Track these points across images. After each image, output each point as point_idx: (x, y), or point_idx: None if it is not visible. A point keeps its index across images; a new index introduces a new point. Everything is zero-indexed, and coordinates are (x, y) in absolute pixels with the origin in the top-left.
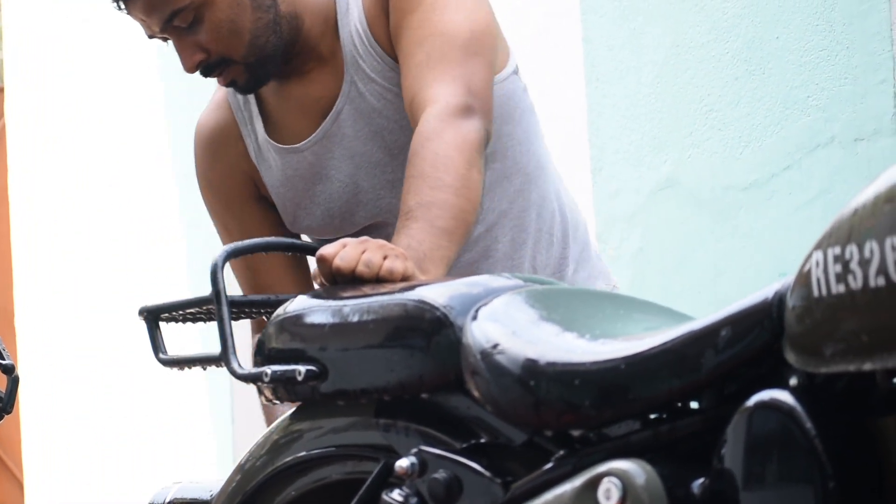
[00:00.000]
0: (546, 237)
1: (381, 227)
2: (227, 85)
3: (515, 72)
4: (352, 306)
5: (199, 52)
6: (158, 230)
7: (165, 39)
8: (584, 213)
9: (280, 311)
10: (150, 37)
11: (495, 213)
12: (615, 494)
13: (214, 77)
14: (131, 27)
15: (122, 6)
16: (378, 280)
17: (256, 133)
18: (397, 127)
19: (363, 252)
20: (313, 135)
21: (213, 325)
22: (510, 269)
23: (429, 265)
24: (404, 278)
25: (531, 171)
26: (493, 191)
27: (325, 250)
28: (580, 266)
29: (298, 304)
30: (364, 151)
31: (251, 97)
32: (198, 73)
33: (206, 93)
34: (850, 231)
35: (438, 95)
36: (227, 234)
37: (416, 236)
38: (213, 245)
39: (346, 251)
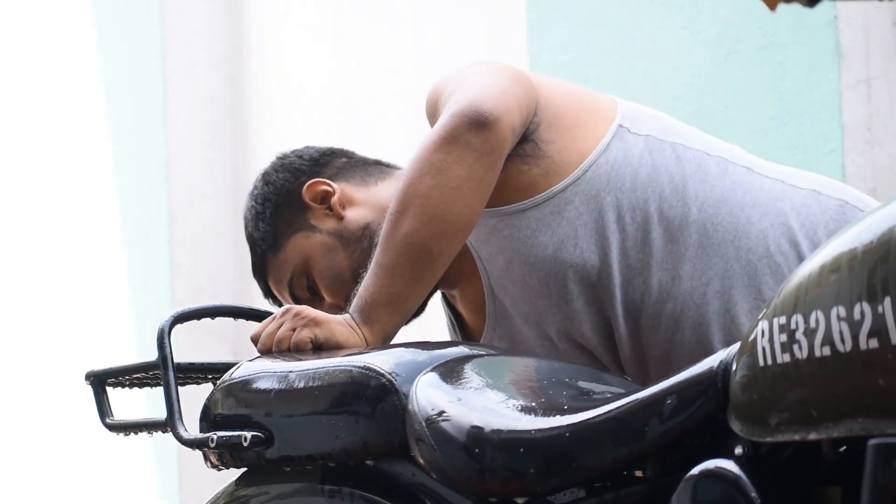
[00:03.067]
0: (764, 262)
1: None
2: None
3: (622, 128)
4: (297, 373)
5: (334, 310)
6: (104, 291)
7: None
8: None
9: (226, 376)
10: None
11: (687, 281)
12: None
13: None
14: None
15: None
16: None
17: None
18: (527, 265)
19: (278, 328)
20: (486, 331)
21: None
22: (729, 320)
23: (371, 312)
24: (319, 345)
25: (699, 218)
26: (667, 262)
27: (255, 331)
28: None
29: (245, 369)
30: (530, 310)
31: (453, 319)
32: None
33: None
34: (796, 301)
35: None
36: None
37: (363, 283)
38: (160, 307)
39: (265, 333)
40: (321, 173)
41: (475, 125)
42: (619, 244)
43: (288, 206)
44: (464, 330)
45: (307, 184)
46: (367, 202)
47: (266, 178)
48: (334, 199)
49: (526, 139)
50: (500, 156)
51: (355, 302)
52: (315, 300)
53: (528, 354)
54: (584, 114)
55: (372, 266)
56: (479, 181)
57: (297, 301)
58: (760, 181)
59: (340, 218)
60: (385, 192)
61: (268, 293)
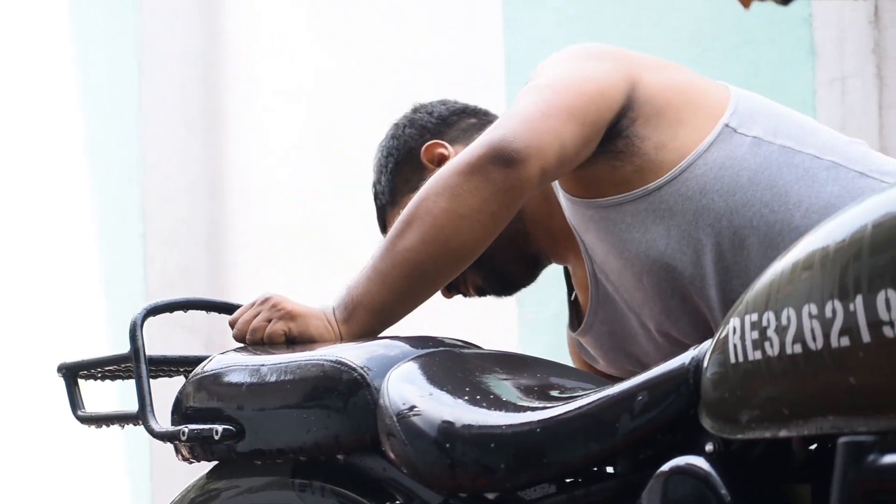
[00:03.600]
0: None
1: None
2: (477, 294)
3: (728, 128)
4: (269, 366)
5: None
6: (77, 284)
7: None
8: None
9: (198, 369)
10: None
11: None
12: None
13: (456, 295)
14: None
15: None
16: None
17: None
18: (622, 259)
19: (255, 316)
20: (588, 314)
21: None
22: None
23: (354, 312)
24: (292, 339)
25: (802, 224)
26: (765, 267)
27: (232, 317)
28: None
29: (217, 362)
30: (630, 298)
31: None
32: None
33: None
34: (768, 298)
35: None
36: None
37: (357, 278)
38: (133, 300)
39: (241, 320)
40: (445, 133)
41: (500, 161)
42: (713, 247)
43: (408, 163)
44: (576, 305)
45: (426, 145)
46: None
47: (395, 130)
48: None
49: (619, 135)
50: (521, 195)
51: (342, 296)
52: None
53: (501, 350)
54: (688, 110)
55: (368, 265)
56: (490, 216)
57: None
58: (872, 186)
59: None
60: None
61: None
